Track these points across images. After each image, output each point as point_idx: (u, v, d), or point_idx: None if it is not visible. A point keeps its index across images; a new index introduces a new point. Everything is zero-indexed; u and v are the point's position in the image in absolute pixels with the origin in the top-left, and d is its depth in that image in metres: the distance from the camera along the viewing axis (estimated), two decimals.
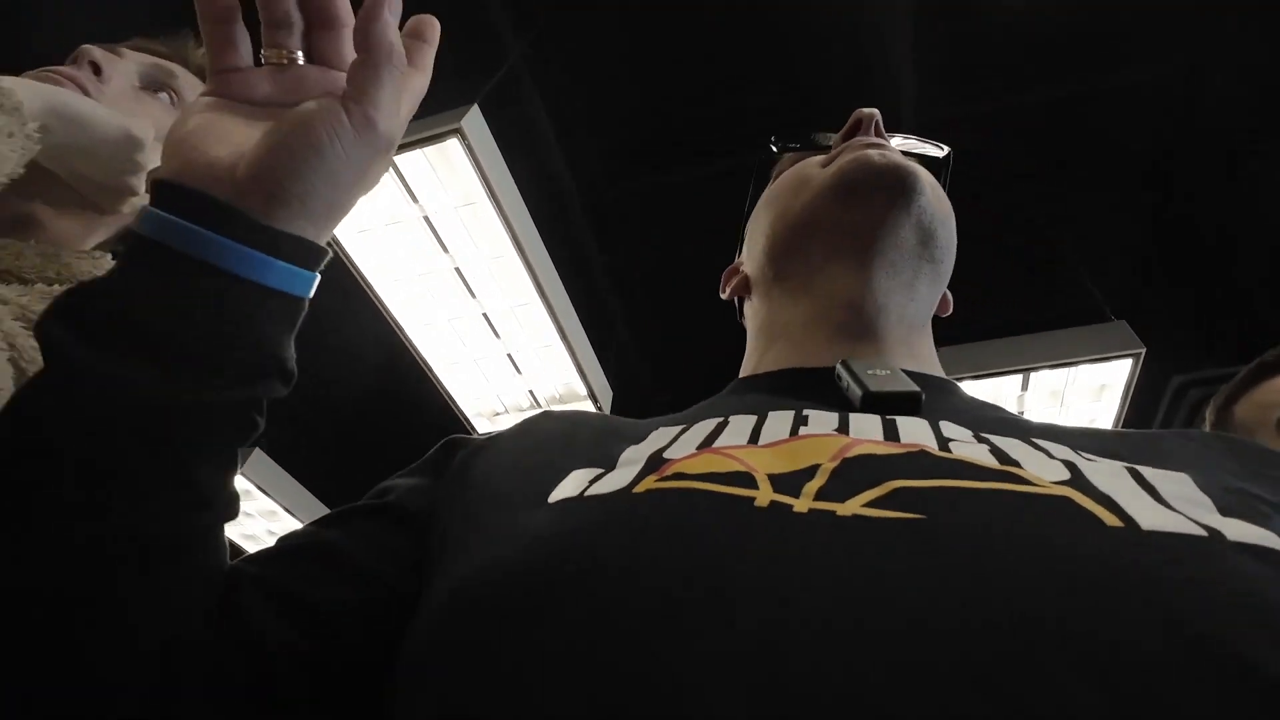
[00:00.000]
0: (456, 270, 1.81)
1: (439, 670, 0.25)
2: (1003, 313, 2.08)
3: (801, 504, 0.26)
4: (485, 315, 1.94)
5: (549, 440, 0.38)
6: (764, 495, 0.26)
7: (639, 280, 2.58)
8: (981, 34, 1.94)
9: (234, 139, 0.32)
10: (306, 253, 0.32)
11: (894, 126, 0.50)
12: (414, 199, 1.67)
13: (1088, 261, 2.30)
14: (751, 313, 0.53)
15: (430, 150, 1.55)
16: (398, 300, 1.89)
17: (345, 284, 1.80)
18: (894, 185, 0.44)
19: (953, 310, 0.53)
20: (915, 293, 0.46)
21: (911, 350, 0.45)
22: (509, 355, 2.07)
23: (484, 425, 2.18)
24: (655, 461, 0.31)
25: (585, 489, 0.30)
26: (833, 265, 0.45)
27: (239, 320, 0.30)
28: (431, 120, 1.53)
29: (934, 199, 0.45)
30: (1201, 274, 2.43)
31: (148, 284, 0.30)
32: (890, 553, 0.23)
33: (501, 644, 0.23)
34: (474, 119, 1.54)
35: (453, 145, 1.53)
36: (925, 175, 0.46)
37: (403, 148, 1.50)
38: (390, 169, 1.38)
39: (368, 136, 0.32)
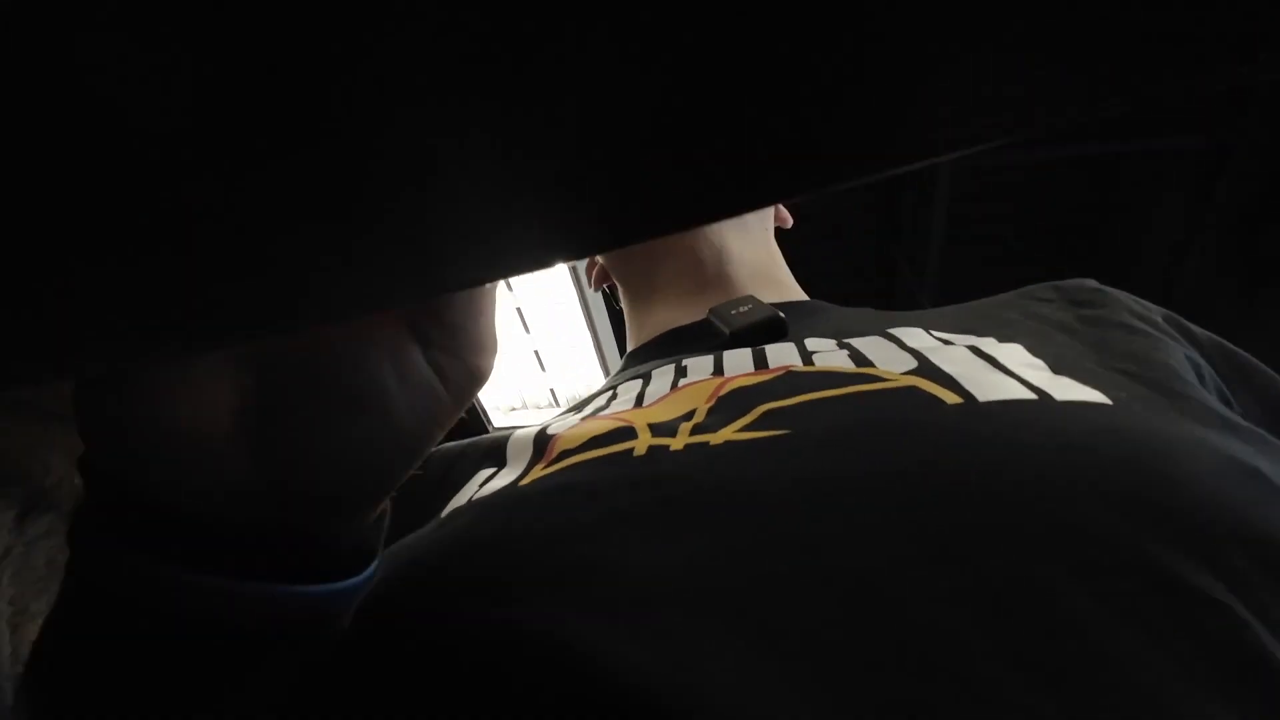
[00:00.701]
0: None
1: None
2: None
3: (677, 442, 0.27)
4: (519, 310, 1.90)
5: (450, 455, 0.38)
6: (642, 443, 0.28)
7: None
8: None
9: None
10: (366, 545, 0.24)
11: None
12: None
13: None
14: (621, 295, 0.56)
15: None
16: None
17: None
18: None
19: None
20: (744, 224, 0.49)
21: (770, 278, 0.48)
22: (534, 351, 2.03)
23: (500, 419, 2.15)
24: (541, 442, 0.32)
25: (475, 493, 0.31)
26: None
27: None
28: None
29: None
30: None
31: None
32: (755, 466, 0.24)
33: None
34: None
35: None
36: None
37: None
38: None
39: (466, 402, 0.24)
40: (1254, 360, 0.35)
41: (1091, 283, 0.39)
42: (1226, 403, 0.32)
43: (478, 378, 0.23)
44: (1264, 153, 2.01)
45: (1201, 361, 0.33)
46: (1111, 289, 0.38)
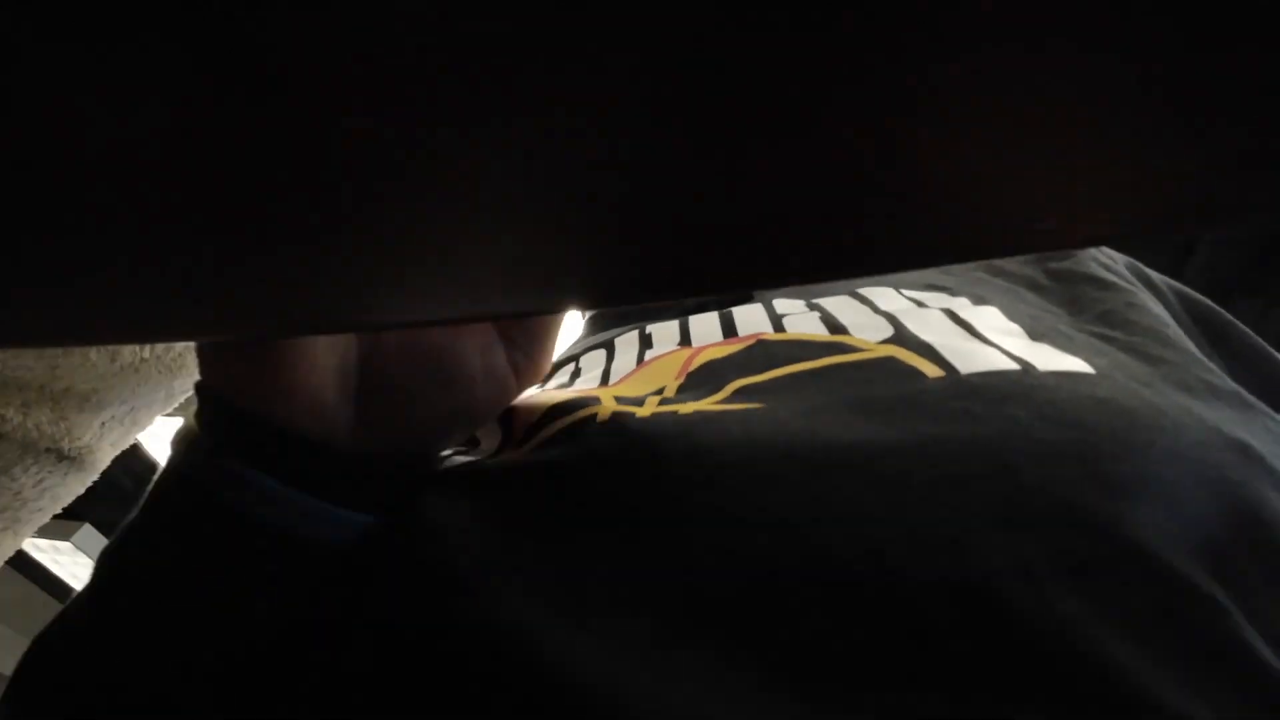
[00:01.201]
0: None
1: None
2: None
3: (644, 410, 0.26)
4: None
5: None
6: (606, 409, 0.27)
7: None
8: None
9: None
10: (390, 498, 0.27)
11: None
12: None
13: None
14: None
15: None
16: None
17: None
18: None
19: None
20: None
21: None
22: None
23: None
24: (505, 419, 0.31)
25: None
26: None
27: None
28: None
29: None
30: None
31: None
32: (729, 433, 0.24)
33: None
34: None
35: None
36: None
37: None
38: None
39: (523, 391, 0.29)
40: (1217, 309, 0.34)
41: None
42: None
43: (538, 377, 0.29)
44: None
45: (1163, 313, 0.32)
46: None
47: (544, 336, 0.28)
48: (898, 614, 0.18)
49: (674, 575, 0.21)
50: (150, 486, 0.26)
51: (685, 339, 0.35)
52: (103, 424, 0.46)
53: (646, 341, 0.36)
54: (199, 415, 0.25)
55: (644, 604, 0.20)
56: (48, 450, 0.43)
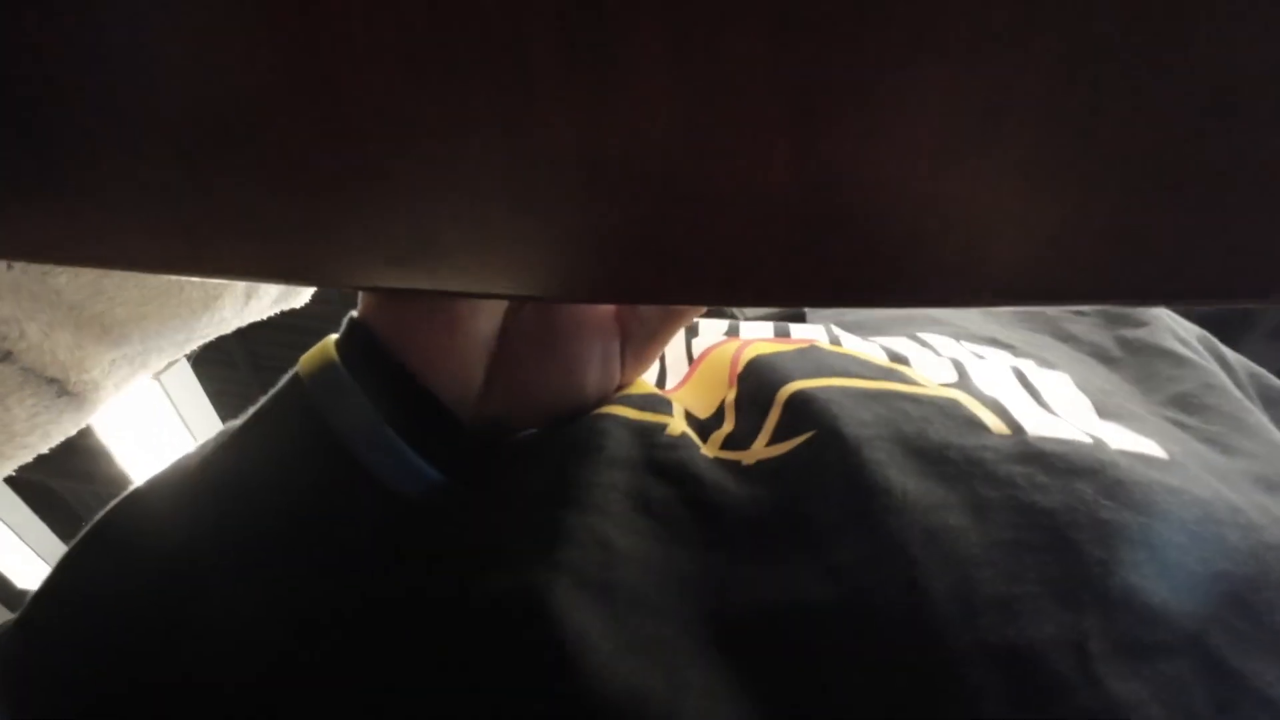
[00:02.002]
0: None
1: None
2: None
3: (708, 450, 0.26)
4: None
5: None
6: (676, 427, 0.26)
7: None
8: None
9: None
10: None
11: None
12: None
13: None
14: None
15: None
16: None
17: None
18: None
19: None
20: None
21: None
22: None
23: None
24: None
25: None
26: None
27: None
28: None
29: None
30: None
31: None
32: (784, 490, 0.23)
33: None
34: None
35: None
36: None
37: None
38: None
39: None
40: None
41: None
42: None
43: (641, 373, 0.30)
44: None
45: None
46: None
47: (660, 334, 0.29)
48: (934, 669, 0.18)
49: (705, 591, 0.20)
50: (271, 400, 0.26)
51: (734, 331, 0.34)
52: (113, 360, 0.41)
53: (693, 330, 0.35)
54: (343, 347, 0.25)
55: (671, 612, 0.20)
56: (50, 381, 0.39)
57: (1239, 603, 0.19)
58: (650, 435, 0.25)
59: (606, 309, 0.28)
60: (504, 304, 0.26)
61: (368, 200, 0.17)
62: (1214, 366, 0.31)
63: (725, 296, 0.21)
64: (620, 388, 0.29)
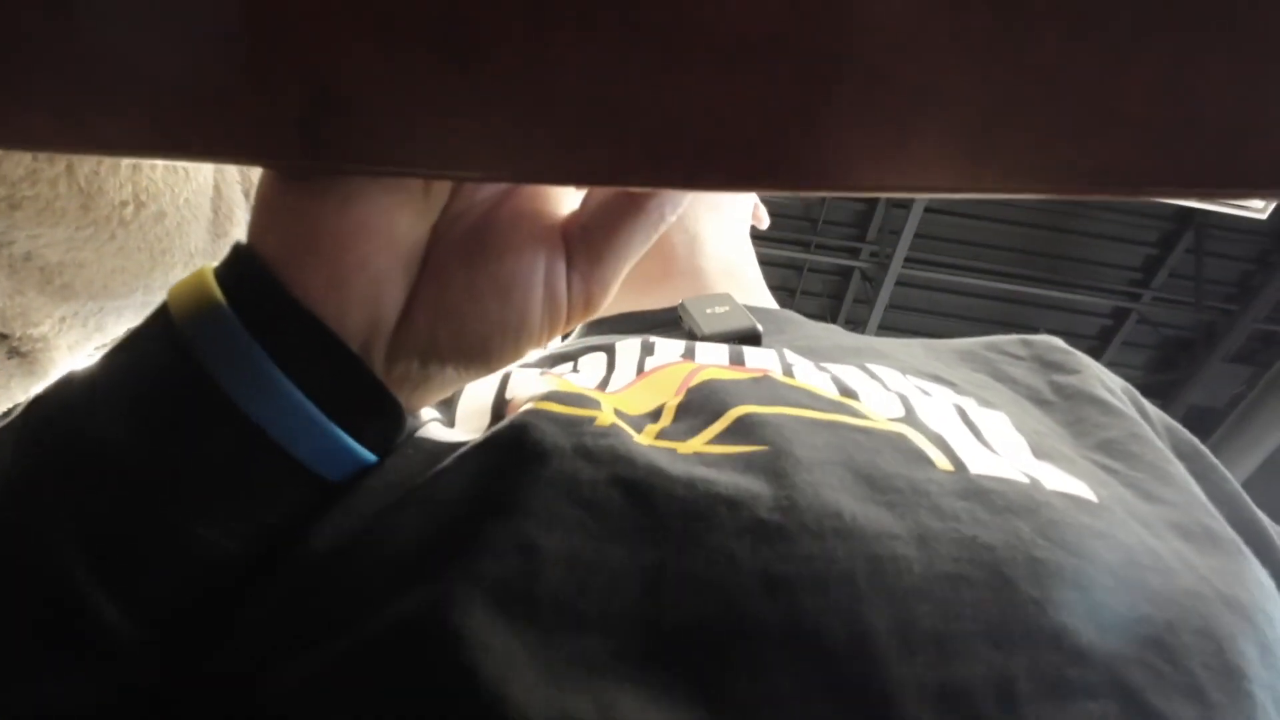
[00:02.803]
0: None
1: None
2: None
3: (642, 438, 0.25)
4: None
5: None
6: (605, 418, 0.25)
7: None
8: None
9: (400, 259, 0.23)
10: (386, 443, 0.25)
11: None
12: None
13: None
14: None
15: None
16: None
17: None
18: None
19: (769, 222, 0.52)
20: (720, 215, 0.45)
21: (741, 276, 0.44)
22: None
23: None
24: (499, 407, 0.29)
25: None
26: None
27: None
28: None
29: None
30: None
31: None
32: (722, 474, 0.22)
33: None
34: None
35: None
36: None
37: None
38: None
39: (570, 324, 0.25)
40: (1201, 448, 0.34)
41: (1059, 342, 0.38)
42: None
43: (590, 311, 0.25)
44: None
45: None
46: (1077, 352, 0.37)
47: (607, 264, 0.25)
48: (869, 698, 0.18)
49: (639, 593, 0.20)
50: (133, 336, 0.23)
51: (689, 354, 0.33)
52: (63, 318, 0.40)
53: (649, 349, 0.34)
54: (223, 278, 0.22)
55: (601, 622, 0.19)
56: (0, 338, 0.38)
57: (1159, 644, 0.20)
58: (578, 425, 0.24)
59: (548, 220, 0.25)
60: (426, 207, 0.23)
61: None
62: (1138, 417, 0.33)
63: (693, 175, 0.20)
64: (566, 335, 0.27)
